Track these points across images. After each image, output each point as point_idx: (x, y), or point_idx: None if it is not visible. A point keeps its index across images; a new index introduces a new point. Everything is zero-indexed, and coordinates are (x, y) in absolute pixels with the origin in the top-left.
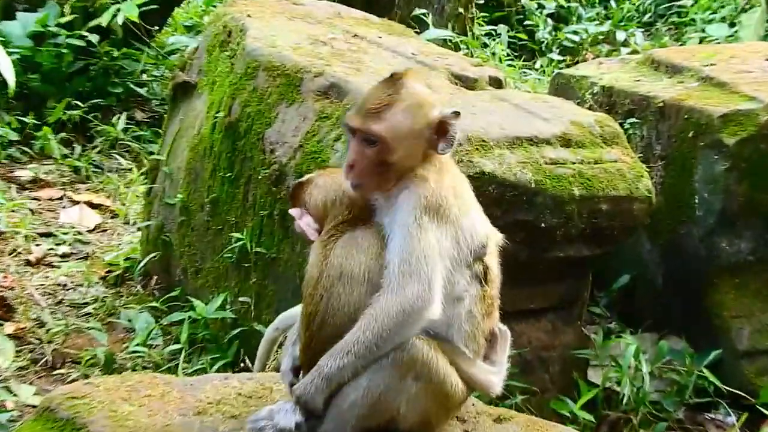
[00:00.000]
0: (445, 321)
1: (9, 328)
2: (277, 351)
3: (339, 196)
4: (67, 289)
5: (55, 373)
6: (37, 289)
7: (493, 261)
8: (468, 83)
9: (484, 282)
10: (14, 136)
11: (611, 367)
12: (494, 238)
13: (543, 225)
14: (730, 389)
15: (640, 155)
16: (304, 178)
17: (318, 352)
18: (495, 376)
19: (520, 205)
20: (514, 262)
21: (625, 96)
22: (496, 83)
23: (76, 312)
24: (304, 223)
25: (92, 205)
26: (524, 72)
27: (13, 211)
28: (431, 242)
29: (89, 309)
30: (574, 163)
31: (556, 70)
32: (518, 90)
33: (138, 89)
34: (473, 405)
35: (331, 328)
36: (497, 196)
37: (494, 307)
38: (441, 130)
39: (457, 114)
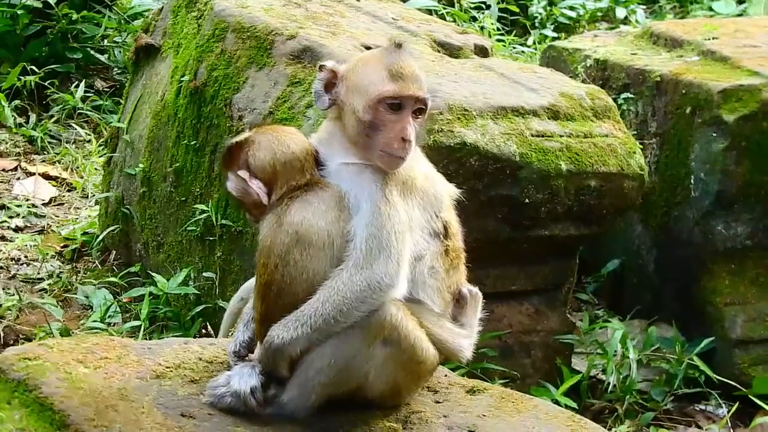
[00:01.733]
0: (410, 282)
1: None
2: None
3: (288, 157)
4: (21, 264)
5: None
6: None
7: (451, 215)
8: (452, 51)
9: (445, 237)
10: None
11: (597, 355)
12: (449, 192)
13: (527, 201)
14: (722, 379)
15: (635, 132)
16: (241, 137)
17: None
18: (465, 339)
19: (503, 179)
20: (496, 240)
21: (620, 70)
22: (482, 52)
23: (30, 287)
24: (256, 185)
25: (48, 177)
26: (515, 48)
27: None
28: (401, 218)
29: (44, 285)
30: (561, 136)
31: (549, 44)
32: (505, 59)
33: (98, 56)
34: (446, 376)
35: (289, 297)
36: (479, 169)
37: (460, 260)
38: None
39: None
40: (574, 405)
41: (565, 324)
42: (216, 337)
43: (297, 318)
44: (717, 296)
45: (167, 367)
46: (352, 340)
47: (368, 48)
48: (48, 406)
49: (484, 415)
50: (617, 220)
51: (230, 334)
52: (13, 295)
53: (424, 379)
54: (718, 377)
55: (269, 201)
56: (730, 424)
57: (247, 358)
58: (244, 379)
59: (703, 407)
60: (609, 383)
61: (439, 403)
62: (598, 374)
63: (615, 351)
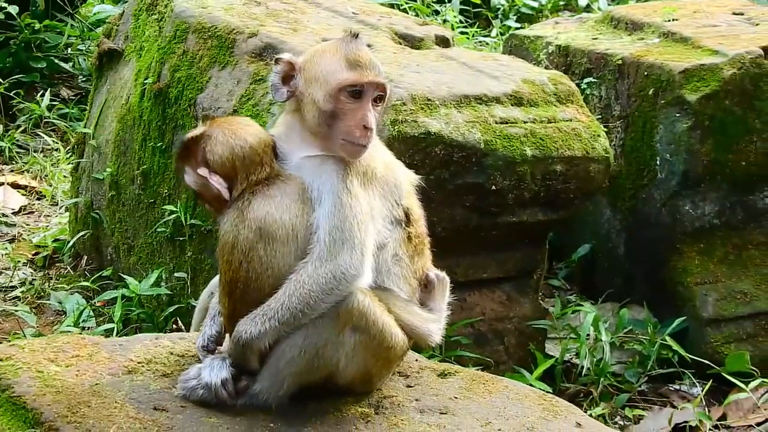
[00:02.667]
0: (374, 270)
1: None
2: None
3: (247, 152)
4: None
5: None
6: None
7: (412, 201)
8: (413, 43)
9: (407, 224)
10: None
11: (570, 339)
12: (410, 179)
13: (494, 188)
14: (695, 358)
15: (599, 116)
16: (196, 132)
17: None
18: (433, 324)
19: (468, 167)
20: (465, 228)
21: (582, 55)
22: (443, 42)
23: (3, 295)
24: (216, 181)
25: (17, 187)
26: (478, 40)
27: None
28: (363, 208)
29: (17, 292)
30: (525, 122)
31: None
32: (466, 49)
33: (63, 64)
34: (416, 360)
35: (255, 292)
36: (444, 158)
37: (424, 245)
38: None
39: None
40: (549, 389)
41: (538, 310)
42: (187, 331)
43: (264, 312)
44: (687, 276)
45: (139, 363)
46: (322, 328)
47: None
48: (21, 405)
49: (456, 398)
50: (585, 204)
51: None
52: None
53: (395, 364)
54: (691, 356)
55: (230, 196)
56: (704, 403)
57: (216, 351)
58: (215, 371)
59: (677, 387)
60: (583, 367)
61: (410, 387)
62: (571, 358)
63: (588, 335)
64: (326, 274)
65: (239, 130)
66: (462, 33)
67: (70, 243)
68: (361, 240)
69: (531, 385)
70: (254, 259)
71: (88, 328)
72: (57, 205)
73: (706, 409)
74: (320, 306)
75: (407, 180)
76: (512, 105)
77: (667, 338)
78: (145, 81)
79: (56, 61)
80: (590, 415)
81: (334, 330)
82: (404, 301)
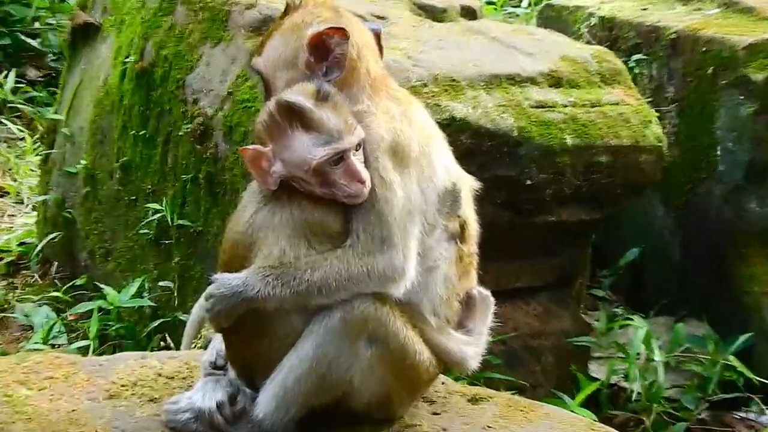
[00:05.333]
0: (416, 289)
1: None
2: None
3: None
4: None
5: None
6: None
7: (469, 213)
8: (435, 14)
9: (460, 240)
10: None
11: (617, 359)
12: (467, 183)
13: (529, 182)
14: (764, 381)
15: (649, 99)
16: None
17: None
18: (470, 347)
19: (500, 158)
20: (495, 229)
21: (630, 28)
22: (469, 14)
23: None
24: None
25: None
26: (507, 11)
27: None
28: (399, 199)
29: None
30: (565, 106)
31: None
32: (497, 21)
33: (30, 41)
34: (443, 384)
35: None
36: (471, 147)
37: (472, 266)
38: (319, 50)
39: (338, 29)
40: (593, 417)
41: (579, 324)
42: (177, 349)
43: (278, 275)
44: (754, 284)
45: (122, 386)
46: (332, 337)
47: None
48: None
49: (490, 427)
50: (633, 200)
51: (194, 345)
52: None
53: (420, 388)
54: (759, 379)
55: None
56: None
57: (223, 370)
58: (208, 394)
59: (743, 414)
60: (632, 391)
61: (437, 414)
62: (619, 381)
63: (638, 353)
64: (359, 268)
65: None
66: (489, 3)
67: (38, 247)
68: (401, 239)
69: (573, 412)
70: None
71: (59, 345)
72: (23, 203)
73: None
74: (340, 293)
75: (464, 184)
76: (549, 86)
77: (731, 358)
78: (126, 60)
79: (22, 37)
80: None
81: (347, 338)
82: (436, 319)
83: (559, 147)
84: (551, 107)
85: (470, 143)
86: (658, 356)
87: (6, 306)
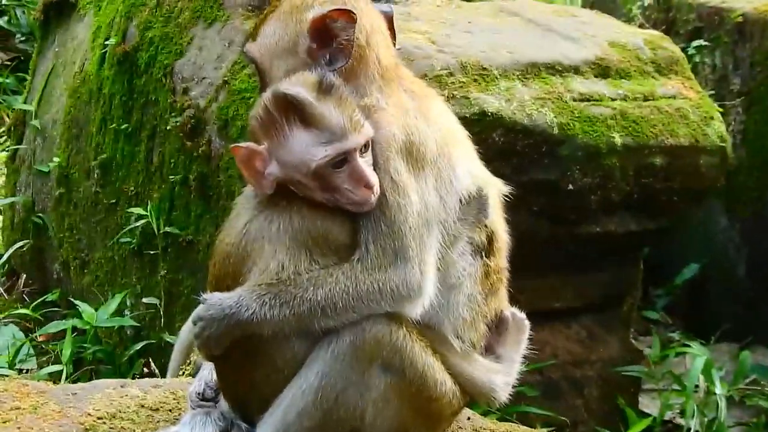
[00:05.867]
0: (436, 309)
1: None
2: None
3: None
4: None
5: None
6: None
7: (498, 222)
8: None
9: (487, 254)
10: None
11: (672, 391)
12: (495, 188)
13: (571, 187)
14: None
15: (712, 92)
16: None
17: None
18: (499, 375)
19: (537, 159)
20: (532, 241)
21: (689, 9)
22: None
23: None
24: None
25: None
26: None
27: None
28: (414, 206)
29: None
30: (614, 99)
31: None
32: (534, 1)
33: None
34: (468, 419)
35: None
36: (505, 146)
37: (501, 282)
38: (322, 35)
39: (344, 12)
40: None
41: (629, 351)
42: (163, 377)
43: (277, 293)
44: None
45: (99, 419)
46: (340, 365)
47: None
48: None
49: None
50: (692, 209)
51: (182, 372)
52: None
53: (440, 424)
54: None
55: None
56: None
57: (212, 402)
58: (197, 429)
59: None
60: (690, 429)
61: None
62: (674, 417)
63: (696, 385)
64: (370, 284)
65: None
66: None
67: (4, 257)
68: (416, 252)
69: None
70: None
71: (28, 370)
72: None
73: None
74: (348, 313)
75: (492, 187)
76: (596, 76)
77: None
78: (106, 42)
79: None
80: None
81: (358, 366)
82: (460, 344)
83: (607, 147)
84: (597, 101)
85: (503, 142)
86: (719, 389)
87: None
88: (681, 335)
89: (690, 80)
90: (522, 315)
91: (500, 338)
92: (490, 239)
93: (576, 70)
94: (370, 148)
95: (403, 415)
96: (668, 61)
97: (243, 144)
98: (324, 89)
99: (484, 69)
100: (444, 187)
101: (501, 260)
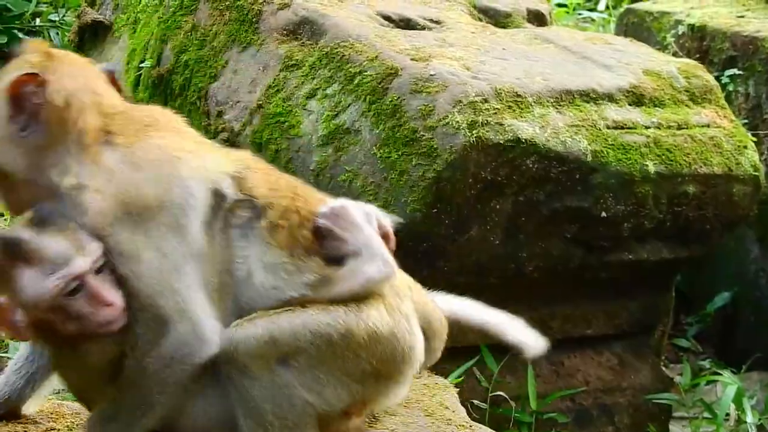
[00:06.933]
0: (264, 299)
1: None
2: None
3: None
4: None
5: None
6: None
7: (253, 176)
8: (497, 19)
9: (262, 212)
10: None
11: (703, 420)
12: (231, 163)
13: (604, 214)
14: None
15: (745, 121)
16: None
17: None
18: (362, 265)
19: (570, 187)
20: (564, 268)
21: (724, 38)
22: (537, 19)
23: None
24: None
25: None
26: (581, 15)
27: None
28: (152, 263)
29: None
30: (648, 127)
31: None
32: (567, 28)
33: (29, 39)
34: None
35: None
36: (538, 174)
37: (292, 212)
38: (16, 102)
39: (32, 75)
40: None
41: (660, 379)
42: None
43: (101, 416)
44: None
45: None
46: (247, 389)
47: (387, 18)
48: None
49: None
50: (725, 238)
51: None
52: None
53: (397, 373)
54: None
55: None
56: None
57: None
58: None
59: None
60: None
61: None
62: None
63: (727, 414)
64: (158, 361)
65: None
66: (560, 5)
67: None
68: (179, 304)
69: None
70: None
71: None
72: None
73: None
74: (164, 396)
75: (230, 166)
76: (630, 104)
77: None
78: (141, 65)
79: (20, 35)
80: None
81: (259, 380)
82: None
83: (640, 175)
84: (631, 129)
85: (537, 169)
86: (750, 418)
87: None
88: (712, 363)
89: (724, 109)
90: (335, 203)
91: (333, 241)
92: (252, 197)
93: (610, 98)
94: (105, 261)
95: (339, 378)
96: (702, 90)
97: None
98: (37, 222)
99: (519, 96)
100: (181, 218)
101: (284, 201)
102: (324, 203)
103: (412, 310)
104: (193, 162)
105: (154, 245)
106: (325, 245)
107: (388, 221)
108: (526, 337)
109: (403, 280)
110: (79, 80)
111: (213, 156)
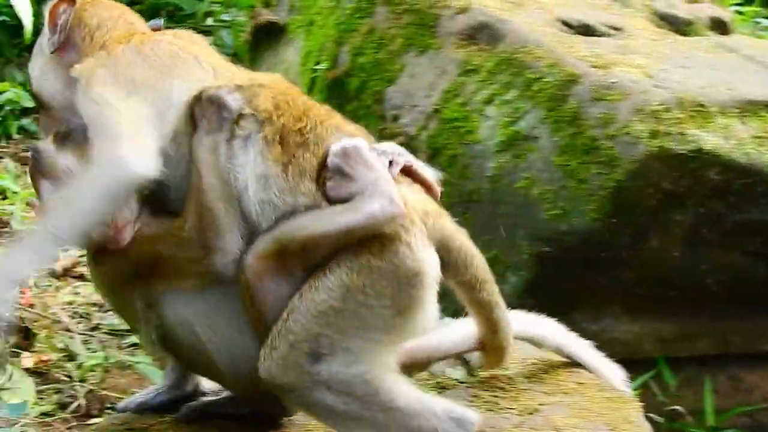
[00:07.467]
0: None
1: (28, 360)
2: None
3: None
4: (105, 311)
5: (91, 422)
6: (63, 309)
7: (261, 98)
8: (679, 26)
9: (262, 125)
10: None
11: None
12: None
13: None
14: None
15: None
16: None
17: None
18: (371, 200)
19: (754, 199)
20: (746, 282)
21: None
22: (719, 26)
23: (118, 341)
24: None
25: None
26: (759, 24)
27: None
28: (121, 108)
29: (135, 337)
30: None
31: None
32: (752, 38)
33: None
34: None
35: None
36: (721, 185)
37: (305, 128)
38: (53, 23)
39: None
40: None
41: None
42: None
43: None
44: None
45: None
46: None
47: (566, 24)
48: None
49: None
50: None
51: None
52: (97, 351)
53: (397, 299)
54: None
55: None
56: None
57: None
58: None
59: None
60: None
61: None
62: None
63: None
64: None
65: None
66: (737, 12)
67: None
68: (115, 124)
69: None
70: None
71: None
72: None
73: None
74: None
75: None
76: None
77: None
78: (317, 67)
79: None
80: None
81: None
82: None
83: None
84: None
85: (720, 180)
86: None
87: None
88: None
89: None
90: (349, 141)
91: (342, 180)
92: (256, 105)
93: None
94: None
95: (379, 340)
96: None
97: None
98: (62, 137)
99: (701, 105)
100: (162, 104)
101: (287, 116)
102: (338, 133)
103: (420, 236)
104: (193, 66)
105: (126, 101)
106: (333, 186)
107: (430, 172)
108: (607, 369)
109: (415, 208)
110: (114, 12)
111: (222, 69)
